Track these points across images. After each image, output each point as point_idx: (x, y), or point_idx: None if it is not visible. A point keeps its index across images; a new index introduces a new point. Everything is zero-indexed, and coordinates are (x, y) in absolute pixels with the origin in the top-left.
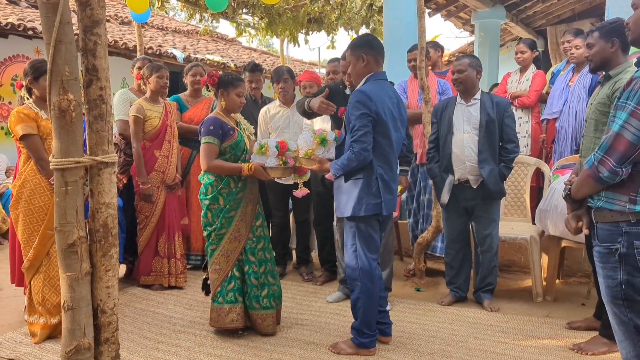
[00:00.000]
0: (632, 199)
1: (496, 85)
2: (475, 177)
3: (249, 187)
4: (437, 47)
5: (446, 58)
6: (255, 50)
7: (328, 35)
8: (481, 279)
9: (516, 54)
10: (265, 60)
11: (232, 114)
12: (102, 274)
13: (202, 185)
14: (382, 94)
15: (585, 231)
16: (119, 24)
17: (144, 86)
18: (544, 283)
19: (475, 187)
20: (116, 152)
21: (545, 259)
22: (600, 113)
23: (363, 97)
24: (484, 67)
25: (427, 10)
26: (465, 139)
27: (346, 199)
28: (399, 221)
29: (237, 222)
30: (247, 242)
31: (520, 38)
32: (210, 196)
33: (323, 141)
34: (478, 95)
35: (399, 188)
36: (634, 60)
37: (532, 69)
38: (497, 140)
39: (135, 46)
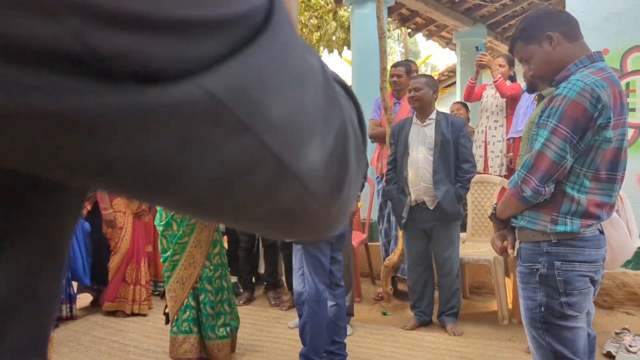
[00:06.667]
0: (554, 219)
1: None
2: (431, 198)
3: None
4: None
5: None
6: None
7: None
8: (444, 302)
9: None
10: None
11: None
12: None
13: (157, 212)
14: None
15: (510, 251)
16: None
17: None
18: (510, 305)
19: (432, 209)
20: None
21: (512, 280)
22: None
23: None
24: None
25: (408, 30)
26: (420, 160)
27: None
28: (370, 243)
29: (190, 248)
30: (203, 269)
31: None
32: (163, 222)
33: None
34: (433, 115)
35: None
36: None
37: (508, 83)
38: (453, 161)
39: None
